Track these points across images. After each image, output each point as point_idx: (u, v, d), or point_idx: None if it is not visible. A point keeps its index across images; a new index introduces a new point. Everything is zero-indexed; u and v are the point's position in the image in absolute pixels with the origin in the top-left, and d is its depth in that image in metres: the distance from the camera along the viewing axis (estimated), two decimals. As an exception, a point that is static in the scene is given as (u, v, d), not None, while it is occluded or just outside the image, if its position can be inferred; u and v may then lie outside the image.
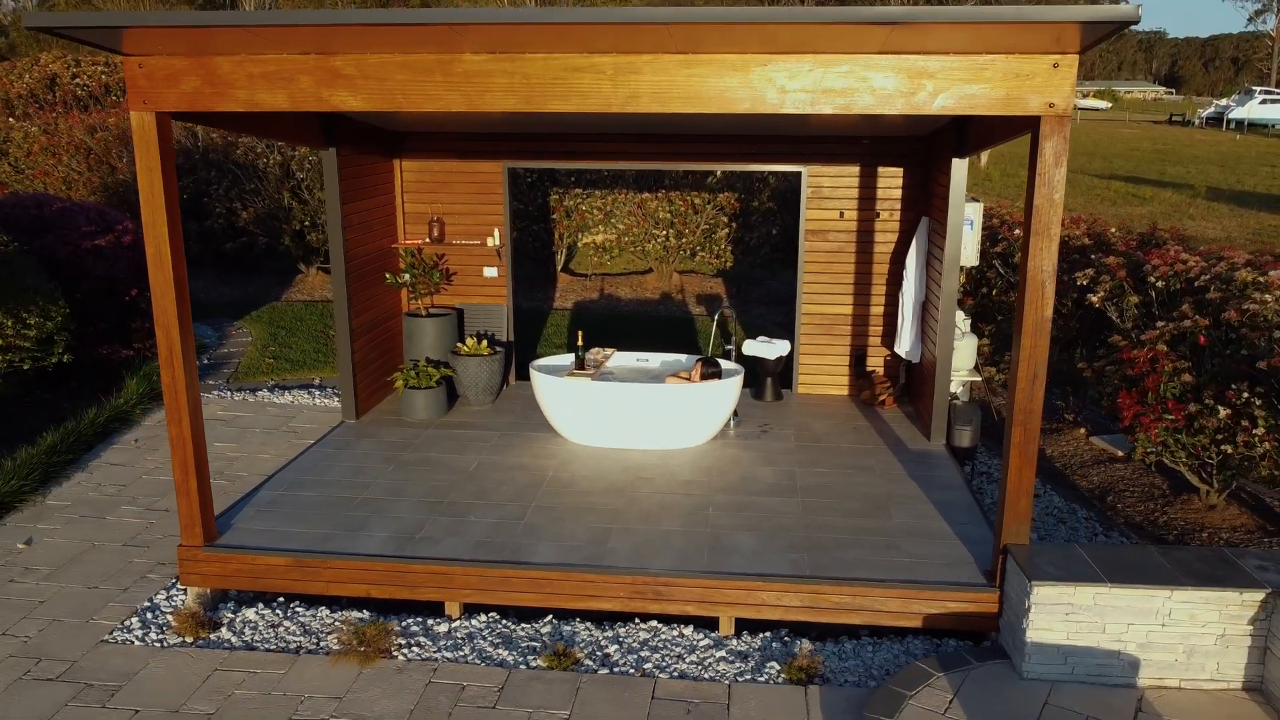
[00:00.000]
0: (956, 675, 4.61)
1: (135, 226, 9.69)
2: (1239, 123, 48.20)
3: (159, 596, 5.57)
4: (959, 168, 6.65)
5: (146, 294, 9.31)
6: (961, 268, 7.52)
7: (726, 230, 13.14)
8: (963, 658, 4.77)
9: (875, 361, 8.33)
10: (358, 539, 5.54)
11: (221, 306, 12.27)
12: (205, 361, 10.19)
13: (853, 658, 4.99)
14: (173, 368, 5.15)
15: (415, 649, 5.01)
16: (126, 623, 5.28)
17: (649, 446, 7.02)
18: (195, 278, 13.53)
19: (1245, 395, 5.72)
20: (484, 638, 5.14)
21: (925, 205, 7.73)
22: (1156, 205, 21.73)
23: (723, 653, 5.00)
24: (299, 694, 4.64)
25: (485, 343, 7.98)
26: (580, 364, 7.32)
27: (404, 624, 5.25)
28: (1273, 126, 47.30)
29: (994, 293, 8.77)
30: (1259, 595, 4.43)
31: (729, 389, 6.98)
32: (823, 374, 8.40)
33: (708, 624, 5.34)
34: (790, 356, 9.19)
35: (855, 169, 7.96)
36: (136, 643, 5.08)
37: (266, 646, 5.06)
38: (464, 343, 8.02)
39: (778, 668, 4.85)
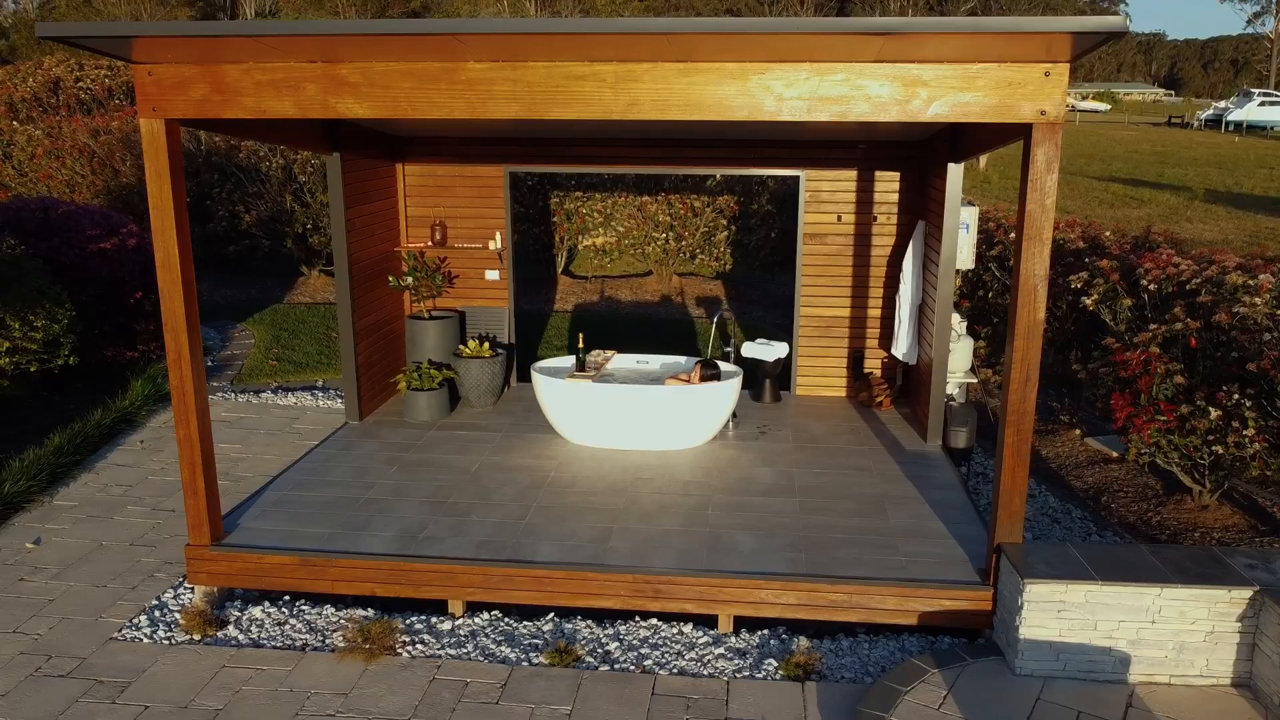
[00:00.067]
0: (951, 671, 4.69)
1: (139, 230, 9.78)
2: (1237, 125, 48.32)
3: (167, 595, 5.66)
4: (954, 172, 6.74)
5: (150, 297, 9.40)
6: (957, 271, 7.61)
7: (726, 233, 13.23)
8: (957, 654, 4.86)
9: (873, 363, 8.42)
10: (362, 538, 5.62)
11: (224, 309, 12.36)
12: (209, 364, 10.28)
13: (849, 654, 5.08)
14: (181, 370, 5.24)
15: (419, 646, 5.10)
16: (135, 620, 5.37)
17: (649, 447, 7.11)
18: (198, 280, 13.62)
19: (1236, 397, 5.81)
20: (487, 635, 5.23)
21: (921, 209, 7.82)
22: (1154, 208, 21.82)
23: (721, 650, 5.09)
24: (306, 690, 4.72)
25: (487, 345, 8.07)
26: (581, 366, 7.41)
27: (408, 622, 5.34)
28: (1271, 129, 47.41)
29: (990, 295, 8.86)
30: (1247, 593, 4.51)
31: (728, 390, 7.07)
32: (821, 376, 8.49)
33: (707, 622, 5.43)
34: (789, 358, 9.28)
35: (853, 173, 8.05)
36: (145, 640, 5.17)
37: (273, 644, 5.15)
38: (466, 345, 8.11)
39: (775, 664, 4.93)
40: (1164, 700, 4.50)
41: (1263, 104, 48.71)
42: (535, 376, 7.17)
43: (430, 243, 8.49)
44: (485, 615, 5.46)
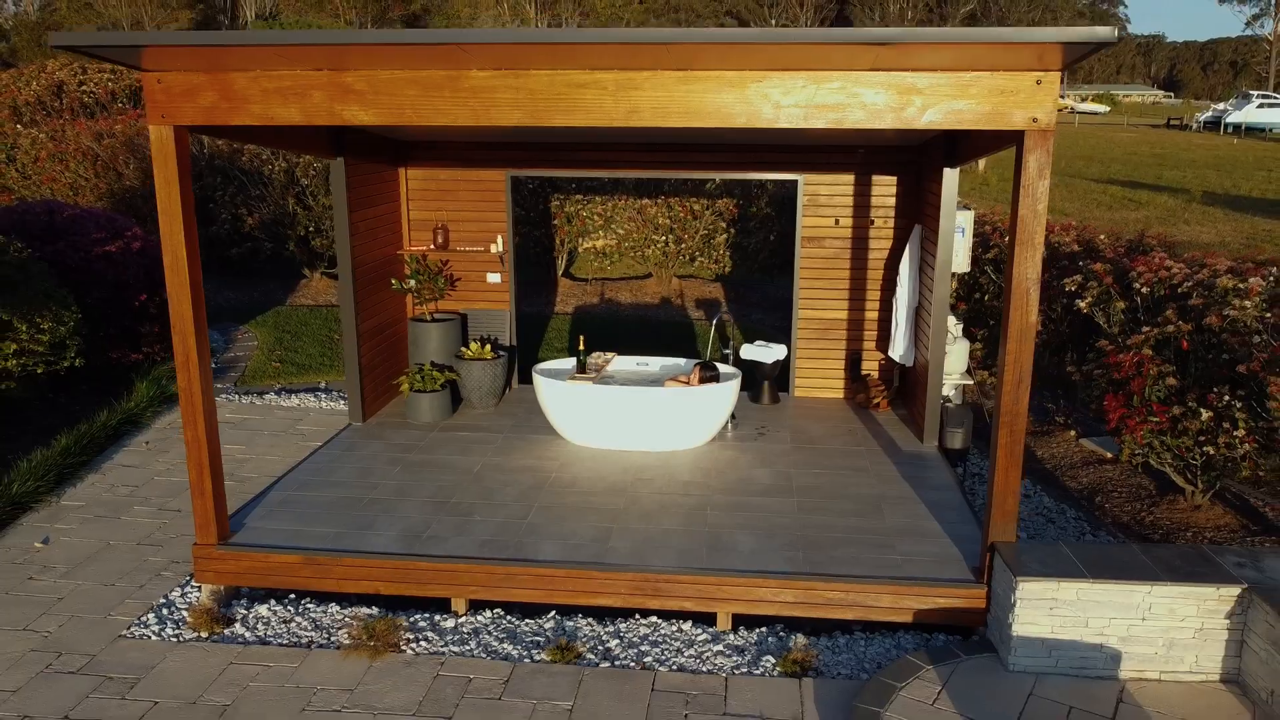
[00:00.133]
0: (945, 668, 4.78)
1: (143, 233, 9.87)
2: (1236, 127, 48.42)
3: (174, 593, 5.74)
4: (950, 177, 6.83)
5: (155, 299, 9.50)
6: (954, 274, 7.71)
7: (725, 236, 13.32)
8: (951, 651, 4.94)
9: (870, 365, 8.51)
10: (366, 538, 5.71)
11: (227, 311, 12.45)
12: (213, 365, 10.36)
13: (845, 651, 5.16)
14: (189, 372, 5.33)
15: (423, 643, 5.19)
16: (143, 618, 5.45)
17: (649, 448, 7.20)
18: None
19: (1226, 398, 5.90)
20: (489, 633, 5.32)
21: (918, 213, 7.91)
22: (1152, 210, 21.90)
23: (720, 647, 5.18)
24: (312, 686, 4.81)
25: (488, 347, 8.16)
26: (582, 368, 7.50)
27: (412, 619, 5.43)
28: (1270, 131, 47.51)
29: (986, 298, 8.95)
30: (1235, 590, 4.60)
31: (727, 392, 7.16)
32: (819, 377, 8.58)
33: (706, 619, 5.51)
34: (787, 360, 9.37)
35: (850, 177, 8.15)
36: (153, 637, 5.26)
37: (279, 641, 5.24)
38: (468, 347, 8.20)
39: (773, 661, 5.02)
40: (1154, 696, 4.59)
41: (1261, 106, 48.80)
42: (536, 378, 7.26)
43: (432, 246, 8.58)
44: (488, 613, 5.55)
